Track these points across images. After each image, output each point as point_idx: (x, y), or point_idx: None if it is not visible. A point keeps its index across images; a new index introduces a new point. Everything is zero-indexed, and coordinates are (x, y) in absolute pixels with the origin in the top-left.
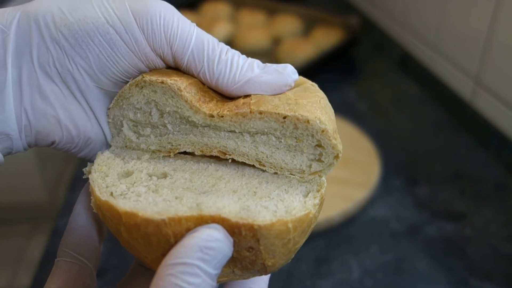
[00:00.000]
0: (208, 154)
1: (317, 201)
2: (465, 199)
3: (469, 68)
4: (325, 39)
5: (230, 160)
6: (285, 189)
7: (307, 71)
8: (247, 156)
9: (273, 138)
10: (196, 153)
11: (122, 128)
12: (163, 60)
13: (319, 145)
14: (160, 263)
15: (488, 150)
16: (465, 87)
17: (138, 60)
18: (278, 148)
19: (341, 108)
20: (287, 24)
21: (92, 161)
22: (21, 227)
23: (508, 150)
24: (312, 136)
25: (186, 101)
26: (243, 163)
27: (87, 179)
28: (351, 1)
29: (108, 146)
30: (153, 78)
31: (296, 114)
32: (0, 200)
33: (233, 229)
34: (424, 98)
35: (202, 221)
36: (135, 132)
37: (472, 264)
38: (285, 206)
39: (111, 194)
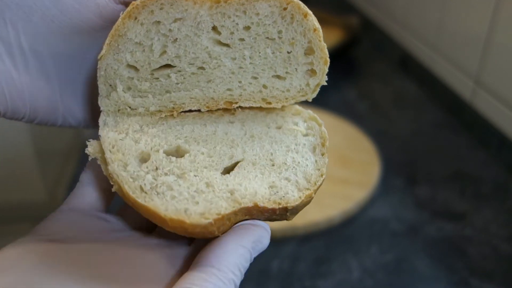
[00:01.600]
0: (214, 108)
1: (326, 159)
2: (465, 199)
3: (469, 68)
4: (325, 39)
5: (238, 109)
6: (295, 149)
7: None
8: (253, 97)
9: (269, 53)
10: (202, 110)
11: (116, 89)
12: None
13: (309, 51)
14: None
15: (488, 150)
16: (465, 87)
17: (88, 13)
18: (275, 71)
19: (341, 108)
20: None
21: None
22: (21, 227)
23: (508, 150)
24: (305, 35)
25: None
26: (248, 120)
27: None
28: (351, 1)
29: (63, 115)
30: None
31: (299, 2)
32: (0, 200)
33: (269, 210)
34: (424, 98)
35: (241, 211)
36: (130, 88)
37: (472, 264)
38: (302, 172)
39: (142, 189)
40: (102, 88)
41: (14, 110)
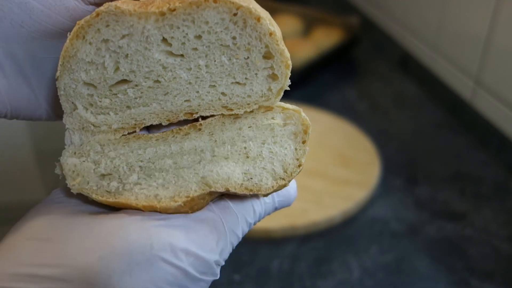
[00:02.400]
0: (175, 121)
1: (306, 148)
2: (465, 199)
3: (469, 68)
4: (325, 39)
5: (200, 120)
6: (272, 141)
7: (307, 71)
8: (212, 106)
9: (225, 61)
10: (163, 123)
11: (76, 110)
12: None
13: (267, 55)
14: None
15: (488, 150)
16: (465, 87)
17: (58, 16)
18: (234, 78)
19: (341, 108)
20: (287, 24)
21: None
22: None
23: (508, 150)
24: (260, 40)
25: (130, 14)
26: (216, 129)
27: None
28: (351, 1)
29: (47, 111)
30: (88, 18)
31: (250, 6)
32: (0, 200)
33: (239, 194)
34: (424, 98)
35: (213, 194)
36: (91, 105)
37: (472, 264)
38: (280, 161)
39: (108, 192)
40: (65, 106)
41: None
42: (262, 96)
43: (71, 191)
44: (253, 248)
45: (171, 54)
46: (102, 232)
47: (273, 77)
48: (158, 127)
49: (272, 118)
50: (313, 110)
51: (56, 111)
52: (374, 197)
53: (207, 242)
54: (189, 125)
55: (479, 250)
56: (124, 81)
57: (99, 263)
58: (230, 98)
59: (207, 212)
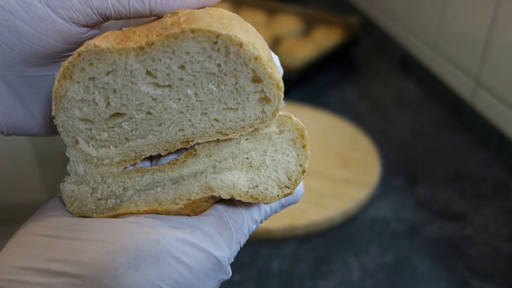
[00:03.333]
0: (172, 150)
1: (308, 152)
2: (465, 199)
3: (469, 68)
4: (325, 39)
5: (198, 148)
6: (273, 149)
7: (307, 71)
8: (207, 132)
9: (214, 88)
10: (161, 153)
11: (78, 144)
12: (86, 21)
13: (256, 79)
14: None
15: (488, 150)
16: (465, 87)
17: (49, 39)
18: (225, 103)
19: (341, 108)
20: (287, 24)
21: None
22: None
23: (508, 150)
24: (246, 65)
25: (110, 51)
26: (213, 151)
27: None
28: (351, 1)
29: (45, 128)
30: (70, 58)
31: (230, 33)
32: (0, 200)
33: (244, 202)
34: (424, 98)
35: (216, 198)
36: (92, 138)
37: (472, 264)
38: (284, 169)
39: (108, 208)
40: (66, 140)
41: None
42: (256, 119)
43: (72, 215)
44: (253, 248)
45: (158, 85)
46: (109, 229)
47: (266, 99)
48: (158, 157)
49: (266, 127)
50: (313, 110)
51: (54, 128)
52: (374, 197)
53: (214, 238)
54: (184, 153)
55: (479, 250)
56: (119, 114)
57: (106, 257)
58: (223, 124)
59: (212, 211)
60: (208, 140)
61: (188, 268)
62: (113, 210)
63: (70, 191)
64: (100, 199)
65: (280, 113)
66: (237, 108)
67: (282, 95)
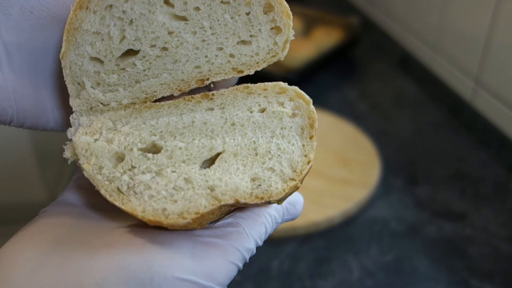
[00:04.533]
0: (187, 90)
1: (314, 143)
2: (465, 199)
3: (469, 68)
4: (325, 39)
5: (216, 93)
6: (280, 133)
7: (307, 71)
8: (223, 69)
9: (228, 18)
10: (174, 94)
11: (84, 87)
12: None
13: (268, 9)
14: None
15: (488, 150)
16: (465, 87)
17: (65, 0)
18: (239, 36)
19: (341, 108)
20: None
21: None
22: (21, 227)
23: (508, 150)
24: None
25: None
26: (228, 105)
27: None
28: (351, 1)
29: (53, 113)
30: None
31: None
32: (0, 200)
33: (251, 204)
34: (424, 98)
35: (222, 208)
36: (99, 84)
37: (472, 264)
38: (288, 159)
39: (119, 190)
40: (71, 87)
41: (0, 111)
42: (269, 53)
43: (84, 173)
44: None
45: (175, 16)
46: (103, 257)
47: (277, 30)
48: (169, 99)
49: (282, 104)
50: None
51: (63, 116)
52: (374, 197)
53: (214, 269)
54: (201, 94)
55: (479, 250)
56: (131, 53)
57: None
58: (238, 59)
59: (216, 232)
60: (223, 78)
61: None
62: (121, 200)
63: (85, 144)
64: (117, 160)
65: (303, 93)
66: (250, 42)
67: (291, 24)
